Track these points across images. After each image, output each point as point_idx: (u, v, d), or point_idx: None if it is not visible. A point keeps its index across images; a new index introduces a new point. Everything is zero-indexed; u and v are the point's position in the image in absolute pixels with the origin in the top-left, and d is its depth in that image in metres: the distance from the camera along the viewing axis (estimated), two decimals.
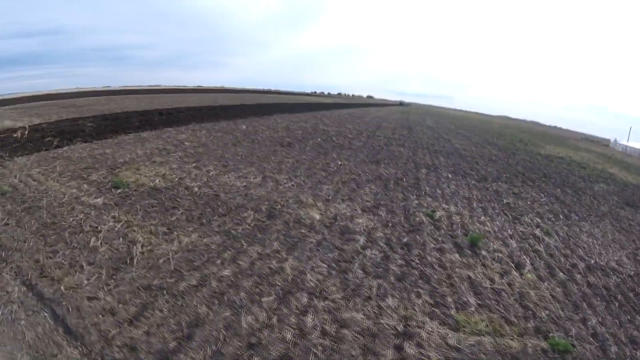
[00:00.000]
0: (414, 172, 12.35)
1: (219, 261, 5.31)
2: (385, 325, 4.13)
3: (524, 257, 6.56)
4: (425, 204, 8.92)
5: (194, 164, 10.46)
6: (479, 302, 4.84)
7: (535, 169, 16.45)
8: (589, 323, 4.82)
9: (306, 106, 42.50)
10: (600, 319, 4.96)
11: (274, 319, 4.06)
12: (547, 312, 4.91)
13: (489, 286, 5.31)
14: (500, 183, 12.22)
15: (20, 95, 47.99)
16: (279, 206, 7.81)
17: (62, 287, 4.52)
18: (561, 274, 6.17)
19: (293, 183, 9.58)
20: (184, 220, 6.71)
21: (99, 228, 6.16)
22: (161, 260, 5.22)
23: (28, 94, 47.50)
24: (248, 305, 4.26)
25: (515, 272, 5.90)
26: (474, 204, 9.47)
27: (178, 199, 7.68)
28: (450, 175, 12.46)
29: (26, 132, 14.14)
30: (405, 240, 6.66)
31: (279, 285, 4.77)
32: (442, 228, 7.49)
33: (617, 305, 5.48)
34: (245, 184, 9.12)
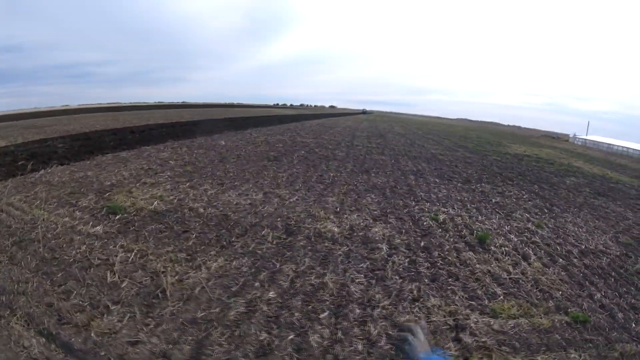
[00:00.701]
0: (404, 179, 12.65)
1: (257, 284, 5.04)
2: (438, 322, 4.27)
3: (526, 248, 7.03)
4: (426, 209, 9.17)
5: (187, 184, 9.95)
6: (504, 291, 5.16)
7: (510, 168, 17.39)
8: (595, 297, 5.44)
9: (276, 118, 42.36)
10: (603, 293, 5.59)
11: (339, 334, 3.97)
12: (560, 292, 5.41)
13: (507, 277, 5.63)
14: (483, 184, 12.84)
15: None
16: (293, 222, 7.62)
17: (92, 334, 4.02)
18: (560, 259, 6.71)
19: (297, 197, 9.44)
20: (202, 244, 6.33)
21: (111, 260, 5.63)
22: (196, 290, 4.84)
23: None
24: (308, 324, 4.11)
25: (524, 263, 6.23)
26: (468, 205, 9.89)
27: (186, 222, 7.25)
28: (437, 180, 12.90)
29: None
30: (422, 244, 6.85)
31: (328, 300, 4.64)
32: (450, 230, 7.78)
33: (612, 280, 6.15)
34: (249, 201, 8.83)
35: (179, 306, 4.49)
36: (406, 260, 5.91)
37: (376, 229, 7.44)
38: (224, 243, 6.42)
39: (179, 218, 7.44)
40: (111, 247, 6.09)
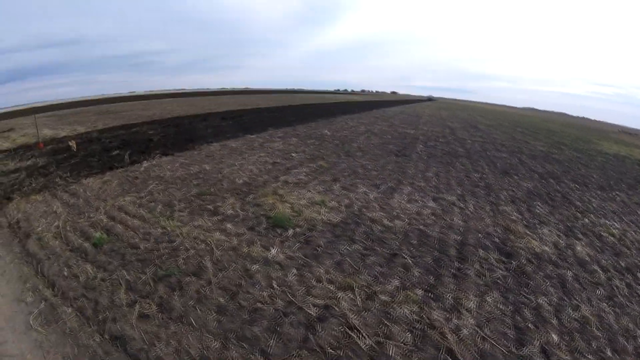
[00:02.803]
0: (546, 184, 10.46)
1: (529, 324, 3.98)
2: None
3: None
4: (595, 222, 7.63)
5: (337, 185, 8.27)
6: None
7: (623, 172, 14.61)
8: None
9: (354, 105, 40.24)
10: None
11: None
12: None
13: None
14: (617, 192, 10.70)
15: (47, 103, 46.65)
16: (497, 239, 6.04)
17: None
18: None
19: (472, 206, 7.59)
20: (427, 272, 4.76)
21: (336, 308, 3.92)
22: (480, 344, 3.57)
23: (54, 102, 46.07)
24: None
25: None
26: (624, 218, 8.16)
27: (384, 241, 5.57)
28: (577, 186, 10.74)
29: (75, 143, 11.47)
30: (623, 264, 5.86)
31: (600, 336, 4.00)
32: (629, 247, 6.55)
33: None
34: (429, 210, 7.03)
35: None
36: (624, 284, 5.26)
37: (579, 249, 6.18)
38: (453, 271, 4.89)
39: (368, 233, 5.73)
40: (313, 282, 4.41)
